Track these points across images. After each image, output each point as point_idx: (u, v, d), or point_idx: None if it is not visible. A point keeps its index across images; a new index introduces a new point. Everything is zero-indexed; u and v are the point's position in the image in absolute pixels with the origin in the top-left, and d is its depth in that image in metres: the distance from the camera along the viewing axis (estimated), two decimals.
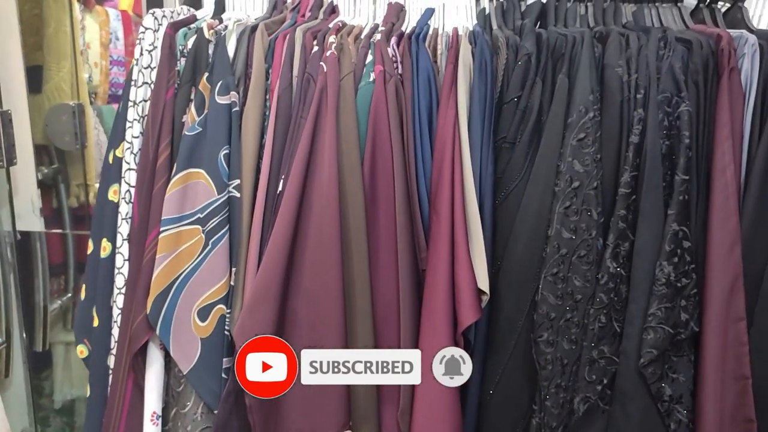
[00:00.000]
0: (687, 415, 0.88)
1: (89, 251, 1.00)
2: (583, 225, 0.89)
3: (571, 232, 0.89)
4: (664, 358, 0.87)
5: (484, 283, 0.87)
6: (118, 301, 0.94)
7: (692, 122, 0.89)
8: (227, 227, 0.89)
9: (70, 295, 1.77)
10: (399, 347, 0.91)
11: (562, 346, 0.89)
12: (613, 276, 0.88)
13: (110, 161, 0.97)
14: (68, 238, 1.71)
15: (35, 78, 1.59)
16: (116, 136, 0.97)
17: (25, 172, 1.47)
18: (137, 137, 0.94)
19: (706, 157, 0.91)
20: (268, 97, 0.93)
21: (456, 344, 0.89)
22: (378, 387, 0.92)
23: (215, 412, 0.88)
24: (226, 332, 0.89)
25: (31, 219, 1.52)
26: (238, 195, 0.90)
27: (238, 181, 0.90)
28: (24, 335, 1.56)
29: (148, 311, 0.86)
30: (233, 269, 0.90)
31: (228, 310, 0.90)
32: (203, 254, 0.88)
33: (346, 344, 0.88)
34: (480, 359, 0.95)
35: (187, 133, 0.90)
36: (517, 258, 0.92)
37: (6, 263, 1.48)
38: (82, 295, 1.01)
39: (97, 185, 1.69)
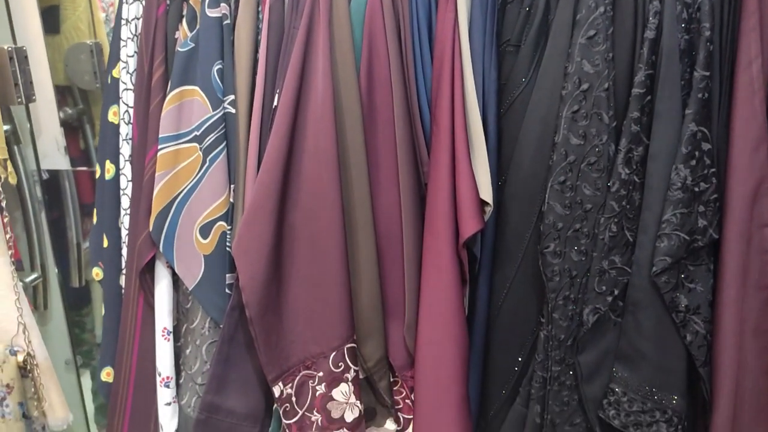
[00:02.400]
0: (704, 326, 0.84)
1: (97, 176, 1.01)
2: (593, 130, 0.84)
3: (580, 137, 0.84)
4: (679, 267, 0.83)
5: (486, 194, 0.85)
6: (125, 221, 0.96)
7: (714, 12, 0.81)
8: (224, 144, 0.89)
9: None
10: (402, 262, 0.90)
11: (570, 258, 0.86)
12: (626, 183, 0.84)
13: (108, 82, 0.97)
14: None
15: (52, 18, 1.60)
16: (113, 56, 0.96)
17: (47, 110, 1.49)
18: (132, 56, 0.93)
19: (730, 51, 0.83)
20: (260, 8, 0.90)
21: (459, 258, 0.88)
22: (383, 302, 0.91)
23: (221, 326, 0.90)
24: (228, 249, 0.90)
25: (56, 157, 1.55)
26: (233, 111, 0.89)
27: (232, 97, 0.88)
28: (57, 271, 1.63)
29: (150, 228, 0.88)
30: (232, 186, 0.90)
31: (229, 227, 0.90)
32: (201, 172, 0.88)
33: (348, 260, 0.88)
34: (487, 274, 0.93)
35: (179, 49, 0.89)
36: (523, 168, 0.88)
37: (35, 201, 1.53)
38: (94, 220, 1.03)
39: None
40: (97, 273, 1.03)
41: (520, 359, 0.93)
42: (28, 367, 1.37)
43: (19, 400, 1.35)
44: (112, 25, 1.85)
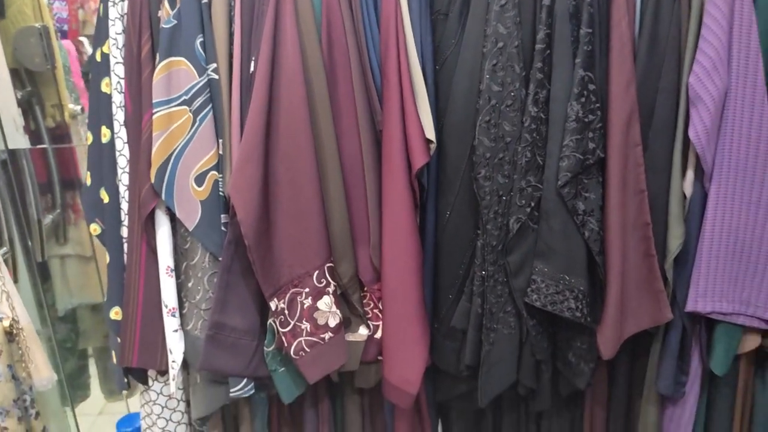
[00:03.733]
0: (597, 224, 1.10)
1: (89, 142, 1.14)
2: (508, 79, 1.07)
3: (499, 85, 1.07)
4: (577, 181, 1.08)
5: (430, 133, 1.06)
6: (123, 179, 1.10)
7: None
8: (210, 105, 1.05)
9: (59, 211, 1.90)
10: (365, 195, 1.10)
11: (497, 180, 1.10)
12: (535, 119, 1.08)
13: (98, 59, 1.10)
14: (50, 156, 1.82)
15: None
16: (100, 35, 1.08)
17: (4, 92, 1.56)
18: (120, 33, 1.06)
19: (606, 13, 1.08)
20: None
21: (412, 187, 1.09)
22: (352, 229, 1.11)
23: (220, 259, 1.07)
24: (221, 193, 1.07)
25: (15, 137, 1.62)
26: (216, 77, 1.05)
27: (215, 65, 1.04)
28: (23, 244, 1.71)
29: (152, 181, 1.03)
30: (220, 140, 1.06)
31: (220, 175, 1.07)
32: (193, 130, 1.04)
33: (321, 196, 1.07)
34: (433, 199, 1.15)
35: (164, 26, 1.03)
36: (456, 112, 1.10)
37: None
38: (88, 182, 1.16)
39: (71, 105, 1.80)
40: (94, 229, 1.16)
41: (463, 266, 1.16)
42: (14, 332, 1.47)
43: (8, 363, 1.46)
44: (55, 8, 1.91)
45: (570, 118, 1.06)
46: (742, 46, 1.06)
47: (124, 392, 1.28)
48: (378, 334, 1.18)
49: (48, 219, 1.86)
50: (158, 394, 1.21)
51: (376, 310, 1.17)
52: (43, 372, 1.53)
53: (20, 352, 1.48)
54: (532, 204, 1.10)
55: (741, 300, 1.14)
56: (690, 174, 1.11)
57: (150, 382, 1.21)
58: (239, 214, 1.00)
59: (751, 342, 1.18)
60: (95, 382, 2.17)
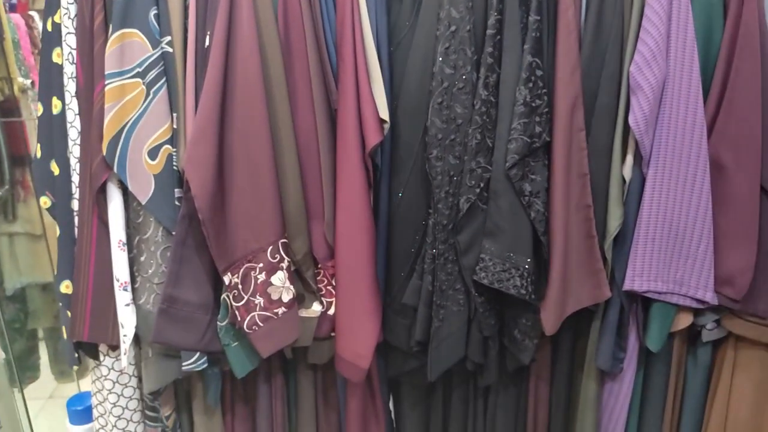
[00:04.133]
0: (543, 205, 1.15)
1: (39, 113, 1.12)
2: (460, 62, 1.11)
3: (451, 68, 1.11)
4: (524, 163, 1.13)
5: (384, 113, 1.09)
6: (74, 151, 1.09)
7: None
8: (164, 78, 1.05)
9: (7, 187, 1.85)
10: (320, 173, 1.12)
11: (448, 161, 1.13)
12: (485, 102, 1.11)
13: (49, 28, 1.08)
14: None
15: None
16: (52, 4, 1.07)
17: None
18: (72, 3, 1.05)
19: (554, 1, 1.13)
20: None
21: (365, 166, 1.12)
22: (306, 206, 1.13)
23: (173, 233, 1.07)
24: (174, 168, 1.07)
25: None
26: (170, 50, 1.05)
27: (169, 38, 1.04)
28: None
29: (104, 153, 1.02)
30: (174, 114, 1.06)
31: (174, 150, 1.07)
32: (146, 102, 1.04)
33: (276, 172, 1.08)
34: (387, 178, 1.18)
35: None
36: (410, 93, 1.13)
37: None
38: (38, 154, 1.14)
39: (20, 79, 1.75)
40: (45, 201, 1.14)
41: (415, 244, 1.20)
42: None
43: None
44: None
45: (518, 102, 1.10)
46: (679, 37, 1.12)
47: (75, 371, 1.27)
48: (331, 311, 1.20)
49: None
50: (109, 369, 1.21)
51: (329, 287, 1.20)
52: None
53: None
54: (482, 185, 1.14)
55: (675, 280, 1.21)
56: (629, 159, 1.17)
57: (101, 357, 1.20)
58: (194, 189, 1.00)
59: (684, 320, 1.26)
60: (46, 365, 2.14)
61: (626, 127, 1.14)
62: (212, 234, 1.03)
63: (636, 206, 1.18)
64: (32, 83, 1.85)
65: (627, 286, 1.19)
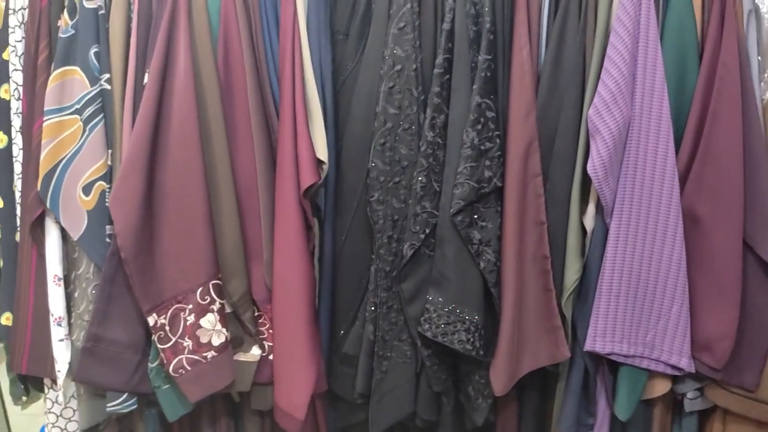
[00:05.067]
0: (494, 255, 1.07)
1: None
2: (405, 102, 1.06)
3: (396, 108, 1.06)
4: (472, 209, 1.05)
5: (322, 153, 1.05)
6: (18, 185, 1.10)
7: (494, 9, 1.04)
8: (102, 115, 1.05)
9: None
10: (259, 213, 1.09)
11: (392, 204, 1.08)
12: (431, 144, 1.05)
13: None
14: None
15: None
16: (1, 41, 1.10)
17: None
18: (20, 41, 1.07)
19: (509, 39, 1.06)
20: (132, 1, 1.06)
21: (302, 208, 1.07)
22: (246, 246, 1.10)
23: (102, 270, 1.06)
24: (107, 204, 1.06)
25: None
26: (108, 87, 1.05)
27: (108, 75, 1.05)
28: None
29: (38, 188, 1.03)
30: (110, 151, 1.06)
31: (108, 186, 1.06)
32: (83, 139, 1.04)
33: (210, 211, 1.06)
34: (331, 221, 1.13)
35: (61, 35, 1.04)
36: (354, 134, 1.09)
37: None
38: None
39: None
40: None
41: (360, 290, 1.14)
42: None
43: None
44: None
45: (465, 144, 1.03)
46: (647, 79, 1.03)
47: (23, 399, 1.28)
48: (273, 356, 1.15)
49: None
50: (53, 402, 1.20)
51: (270, 330, 1.15)
52: None
53: None
54: (427, 230, 1.07)
55: (645, 343, 1.09)
56: (591, 208, 1.08)
57: (45, 390, 1.20)
58: (117, 227, 0.99)
59: (660, 387, 1.14)
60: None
61: (586, 174, 1.05)
62: (136, 273, 1.01)
63: (599, 260, 1.08)
64: None
65: (588, 346, 1.09)
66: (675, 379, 1.14)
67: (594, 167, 1.02)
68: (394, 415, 1.13)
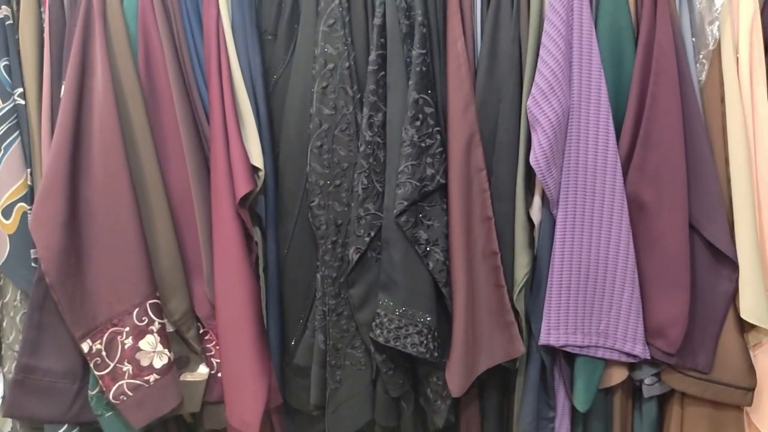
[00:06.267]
0: (443, 254, 1.04)
1: None
2: (341, 102, 1.02)
3: (331, 108, 1.02)
4: (417, 209, 1.02)
5: (256, 160, 1.01)
6: None
7: (425, 1, 1.01)
8: (17, 132, 0.99)
9: None
10: (196, 227, 1.04)
11: (333, 209, 1.04)
12: (370, 143, 1.02)
13: None
14: None
15: None
16: None
17: None
18: None
19: (443, 32, 1.03)
20: (42, 9, 1.00)
21: (239, 217, 1.03)
22: (185, 261, 1.05)
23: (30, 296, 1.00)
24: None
25: None
26: (23, 102, 0.98)
27: (21, 90, 0.98)
28: None
29: None
30: (29, 170, 1.00)
31: (29, 207, 1.00)
32: None
33: (142, 227, 1.00)
34: (273, 230, 1.09)
35: None
36: (290, 138, 1.05)
37: None
38: None
39: None
40: None
41: (307, 299, 1.10)
42: None
43: None
44: None
45: (405, 142, 1.00)
46: (583, 66, 1.01)
47: None
48: (221, 373, 1.11)
49: None
50: None
51: (218, 347, 1.10)
52: None
53: None
54: (371, 233, 1.04)
55: (598, 332, 1.08)
56: (537, 200, 1.06)
57: None
58: (39, 250, 0.93)
59: (618, 375, 1.13)
60: None
61: (530, 166, 1.03)
62: (64, 298, 0.95)
63: (548, 252, 1.06)
64: None
65: (542, 340, 1.07)
66: (632, 366, 1.13)
67: (536, 158, 1.00)
68: (352, 424, 1.10)
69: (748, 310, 1.02)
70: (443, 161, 1.03)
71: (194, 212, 1.04)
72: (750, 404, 1.07)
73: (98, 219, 0.98)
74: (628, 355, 1.08)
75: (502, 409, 1.22)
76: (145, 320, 1.01)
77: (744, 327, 1.07)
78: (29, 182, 1.00)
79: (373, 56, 1.01)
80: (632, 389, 1.20)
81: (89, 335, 0.98)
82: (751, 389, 1.06)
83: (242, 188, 0.99)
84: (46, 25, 0.98)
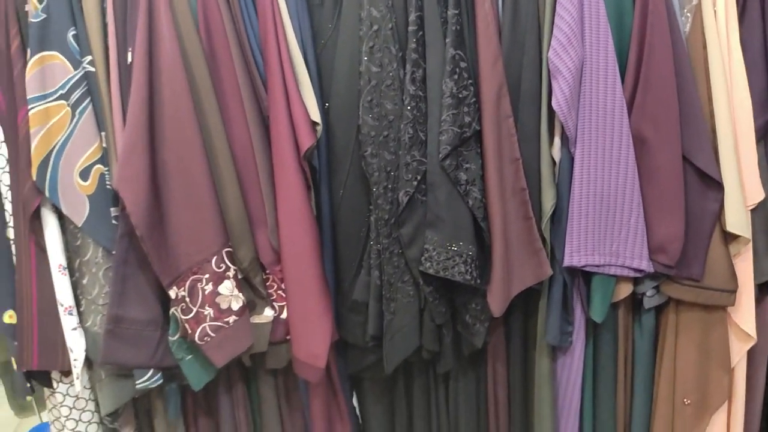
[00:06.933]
0: (479, 192, 1.18)
1: None
2: (385, 60, 1.13)
3: (378, 66, 1.13)
4: (457, 153, 1.16)
5: (315, 115, 1.11)
6: (4, 179, 1.07)
7: None
8: (89, 98, 1.04)
9: None
10: (258, 179, 1.13)
11: (384, 157, 1.16)
12: (414, 97, 1.14)
13: None
14: None
15: None
16: None
17: None
18: None
19: None
20: None
21: (302, 169, 1.13)
22: (249, 213, 1.14)
23: (113, 252, 1.07)
24: (108, 186, 1.07)
25: None
26: (93, 69, 1.04)
27: (90, 57, 1.04)
28: None
29: (34, 178, 1.01)
30: (103, 133, 1.06)
31: (106, 168, 1.06)
32: (73, 124, 1.03)
33: (213, 183, 1.09)
34: (327, 180, 1.20)
35: (32, 20, 1.02)
36: (340, 94, 1.15)
37: None
38: None
39: None
40: None
41: (360, 241, 1.22)
42: None
43: None
44: None
45: (445, 94, 1.13)
46: (592, 22, 1.16)
47: (35, 404, 1.26)
48: (284, 315, 1.21)
49: None
50: (64, 396, 1.19)
51: (279, 291, 1.21)
52: None
53: None
54: (418, 177, 1.17)
55: (611, 252, 1.26)
56: (557, 141, 1.21)
57: (55, 385, 1.19)
58: (128, 206, 1.00)
59: (624, 290, 1.31)
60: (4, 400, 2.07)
61: (551, 111, 1.18)
62: (152, 249, 1.03)
63: (568, 186, 1.22)
64: None
65: (566, 262, 1.24)
66: (635, 282, 1.32)
67: (558, 103, 1.15)
68: (405, 350, 1.24)
69: (733, 224, 1.22)
70: (477, 110, 1.17)
71: (253, 168, 1.13)
72: (733, 304, 1.28)
73: (173, 176, 1.06)
74: (636, 270, 1.27)
75: (524, 329, 1.39)
76: (222, 267, 1.10)
77: (727, 239, 1.27)
78: (104, 145, 1.06)
79: (412, 17, 1.12)
80: (632, 304, 1.40)
81: (175, 282, 1.07)
82: (734, 291, 1.26)
83: (306, 141, 1.09)
84: None
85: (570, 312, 1.32)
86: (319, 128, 1.12)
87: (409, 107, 1.14)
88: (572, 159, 1.21)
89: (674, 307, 1.36)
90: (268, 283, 1.20)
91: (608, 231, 1.25)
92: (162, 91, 1.04)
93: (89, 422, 1.22)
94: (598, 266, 1.26)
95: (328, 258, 1.23)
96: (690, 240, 1.26)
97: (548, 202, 1.21)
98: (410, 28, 1.12)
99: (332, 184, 1.19)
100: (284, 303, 1.21)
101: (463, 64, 1.14)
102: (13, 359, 1.19)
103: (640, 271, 1.27)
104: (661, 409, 1.39)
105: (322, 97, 1.16)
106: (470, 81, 1.15)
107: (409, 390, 1.43)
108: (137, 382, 1.11)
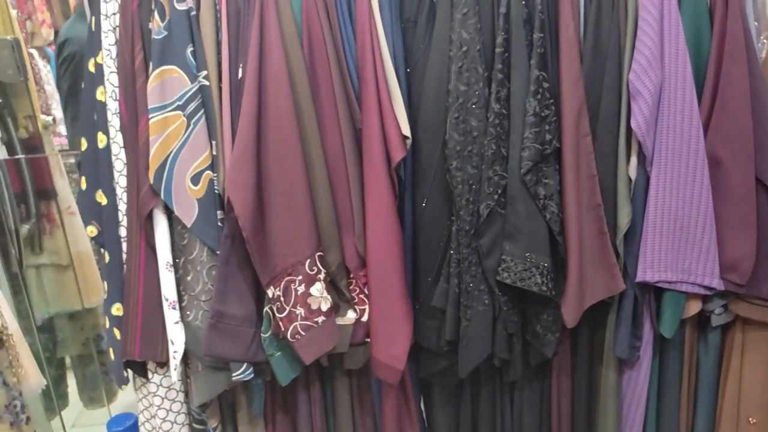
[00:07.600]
0: (557, 207, 1.23)
1: (83, 148, 1.20)
2: (472, 79, 1.20)
3: (465, 85, 1.20)
4: (537, 169, 1.21)
5: (406, 129, 1.18)
6: (120, 182, 1.16)
7: None
8: (203, 110, 1.13)
9: (33, 221, 1.91)
10: (348, 187, 1.21)
11: (467, 170, 1.22)
12: (498, 114, 1.20)
13: (92, 69, 1.16)
14: (24, 167, 1.84)
15: None
16: (93, 46, 1.15)
17: None
18: (113, 45, 1.13)
19: (555, 19, 1.22)
20: (217, 3, 1.15)
21: (391, 180, 1.20)
22: (338, 220, 1.21)
23: (217, 252, 1.15)
24: (216, 191, 1.15)
25: None
26: (207, 83, 1.13)
27: (205, 72, 1.13)
28: (2, 254, 1.73)
29: (151, 181, 1.10)
30: (213, 142, 1.14)
31: (214, 175, 1.15)
32: (187, 133, 1.12)
33: (310, 190, 1.16)
34: (410, 191, 1.27)
35: (155, 37, 1.11)
36: (428, 110, 1.22)
37: None
38: (83, 186, 1.21)
39: (43, 116, 1.83)
40: (91, 230, 1.21)
41: (440, 250, 1.28)
42: (3, 338, 1.50)
43: None
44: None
45: (528, 113, 1.19)
46: (671, 46, 1.21)
47: (105, 397, 1.33)
48: (364, 318, 1.27)
49: (24, 229, 1.88)
50: (158, 386, 1.27)
51: (361, 295, 1.27)
52: (32, 377, 1.55)
53: (9, 358, 1.51)
54: (499, 191, 1.23)
55: (683, 269, 1.29)
56: (634, 159, 1.26)
57: (150, 375, 1.27)
58: (237, 210, 1.08)
59: (694, 307, 1.34)
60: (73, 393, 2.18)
61: (629, 131, 1.23)
62: (255, 250, 1.10)
63: (642, 203, 1.26)
64: (53, 120, 1.93)
65: (639, 277, 1.28)
66: (704, 299, 1.35)
67: (638, 123, 1.20)
68: (479, 356, 1.29)
69: None
70: (557, 128, 1.22)
71: (345, 177, 1.20)
72: None
73: (274, 184, 1.14)
74: (707, 288, 1.30)
75: (591, 342, 1.43)
76: (314, 270, 1.17)
77: None
78: (213, 152, 1.14)
79: (499, 40, 1.19)
80: (698, 321, 1.43)
81: (272, 282, 1.14)
82: None
83: (398, 154, 1.16)
84: (223, 16, 1.13)
85: (639, 327, 1.36)
86: (409, 141, 1.18)
87: (493, 125, 1.20)
88: (648, 177, 1.25)
89: (741, 326, 1.38)
90: (351, 287, 1.27)
91: (681, 248, 1.28)
92: (268, 104, 1.12)
93: (179, 412, 1.29)
94: (670, 282, 1.29)
95: (407, 264, 1.29)
96: (760, 259, 1.29)
97: (624, 219, 1.25)
98: (497, 50, 1.19)
99: (416, 194, 1.26)
100: (365, 306, 1.27)
101: (545, 85, 1.20)
102: (111, 350, 1.27)
103: (711, 288, 1.30)
104: (725, 428, 1.41)
105: (410, 112, 1.23)
106: (552, 101, 1.21)
107: (476, 397, 1.47)
108: (234, 373, 1.18)
